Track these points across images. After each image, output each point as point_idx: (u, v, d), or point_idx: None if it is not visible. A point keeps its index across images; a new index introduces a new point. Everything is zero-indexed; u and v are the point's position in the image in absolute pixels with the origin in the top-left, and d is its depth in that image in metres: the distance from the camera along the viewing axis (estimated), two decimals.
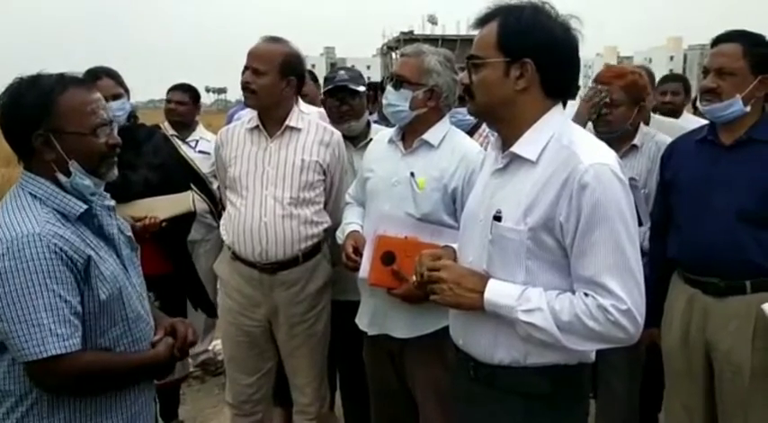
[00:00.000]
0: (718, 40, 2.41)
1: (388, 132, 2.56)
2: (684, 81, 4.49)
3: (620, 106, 2.75)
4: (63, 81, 1.65)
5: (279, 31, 2.87)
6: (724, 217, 2.31)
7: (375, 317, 2.48)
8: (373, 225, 2.42)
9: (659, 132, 2.95)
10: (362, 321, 2.55)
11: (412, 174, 2.37)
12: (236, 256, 2.77)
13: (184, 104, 4.42)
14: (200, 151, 4.24)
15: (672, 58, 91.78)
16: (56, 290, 1.54)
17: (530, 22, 1.63)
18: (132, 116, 3.07)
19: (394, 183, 2.41)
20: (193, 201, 2.92)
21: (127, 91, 2.99)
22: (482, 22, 1.70)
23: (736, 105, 2.30)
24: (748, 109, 2.31)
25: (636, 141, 2.83)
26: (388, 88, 2.44)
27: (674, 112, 4.12)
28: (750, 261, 2.29)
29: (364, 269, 2.38)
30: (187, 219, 2.93)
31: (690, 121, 3.61)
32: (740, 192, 2.29)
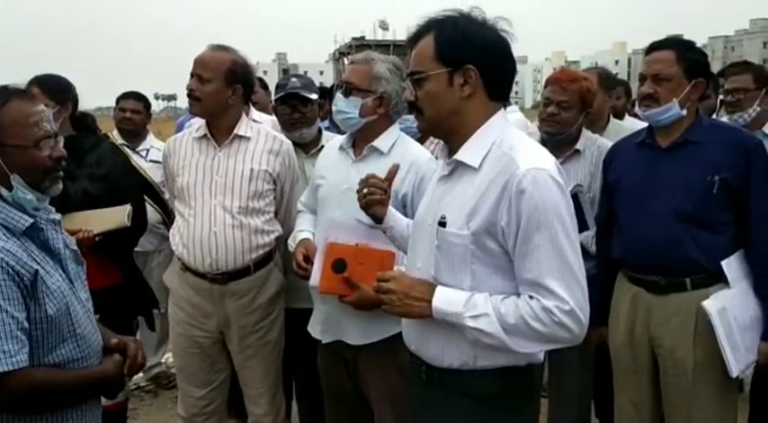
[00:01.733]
0: (652, 48, 2.50)
1: (339, 140, 2.57)
2: (625, 85, 4.64)
3: (572, 109, 2.82)
4: (5, 93, 1.62)
5: (230, 37, 2.88)
6: (663, 217, 2.39)
7: (328, 324, 2.48)
8: (324, 232, 2.42)
9: (600, 137, 3.04)
10: (315, 329, 2.55)
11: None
12: (185, 267, 2.73)
13: (139, 113, 4.33)
14: (151, 160, 4.15)
15: (617, 62, 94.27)
16: (2, 305, 1.50)
17: (465, 29, 1.67)
18: (83, 125, 2.98)
19: (345, 190, 2.41)
20: (129, 215, 2.82)
21: (60, 101, 2.84)
22: (416, 38, 1.72)
23: (673, 109, 2.38)
24: (684, 112, 2.40)
25: (579, 146, 2.90)
26: (338, 96, 2.45)
27: (616, 116, 4.23)
28: (689, 259, 2.37)
29: (315, 277, 2.38)
30: (128, 231, 2.86)
31: (637, 125, 3.71)
32: (678, 192, 2.37)
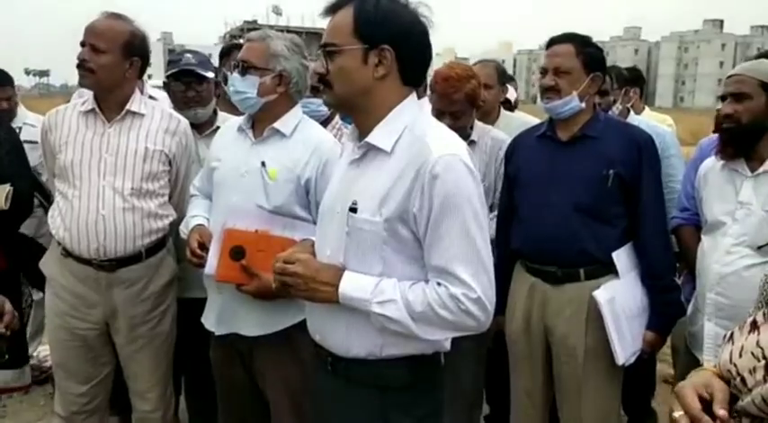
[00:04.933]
0: (552, 42, 2.56)
1: (237, 120, 2.45)
2: (513, 80, 4.81)
3: (463, 114, 2.80)
4: None
5: (110, 9, 2.62)
6: (562, 209, 2.45)
7: (223, 315, 2.37)
8: (221, 218, 2.30)
9: (492, 128, 3.08)
10: (209, 320, 2.43)
11: (263, 163, 2.28)
12: (67, 253, 2.51)
13: (10, 99, 3.86)
14: (25, 141, 3.78)
15: (503, 61, 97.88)
16: None
17: (387, 8, 1.62)
18: None
19: (243, 173, 2.30)
20: (8, 196, 2.57)
21: None
22: (333, 9, 1.66)
23: (573, 102, 2.45)
24: (584, 105, 2.47)
25: (473, 137, 2.93)
26: (235, 75, 2.33)
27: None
28: (584, 250, 2.45)
29: (211, 265, 2.26)
30: (8, 214, 2.60)
31: (526, 117, 3.83)
32: (575, 185, 2.45)
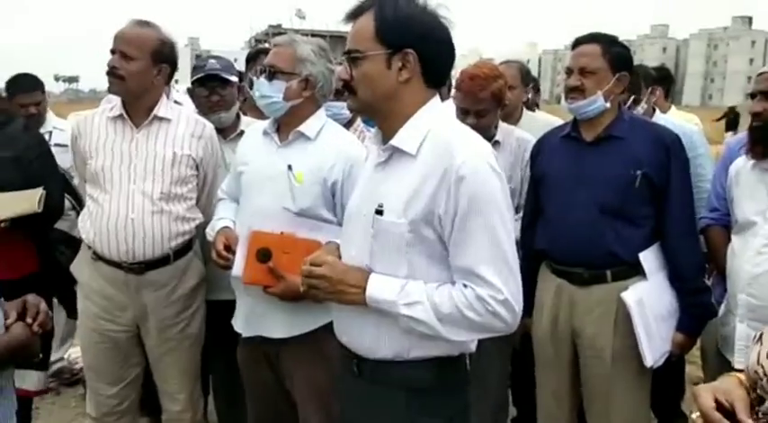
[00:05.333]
0: (578, 42, 2.54)
1: (262, 124, 2.48)
2: (536, 81, 4.80)
3: (487, 115, 2.79)
4: None
5: (138, 16, 2.69)
6: (588, 210, 2.43)
7: (250, 317, 2.39)
8: (247, 221, 2.32)
9: (516, 129, 3.07)
10: (237, 322, 2.45)
11: (289, 167, 2.29)
12: (97, 256, 2.56)
13: (40, 103, 3.87)
14: (55, 144, 3.78)
15: (528, 61, 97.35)
16: None
17: (406, 11, 1.63)
18: None
19: (269, 176, 2.32)
20: (41, 199, 2.63)
21: None
22: (354, 15, 1.67)
23: (598, 102, 2.43)
24: (608, 105, 2.45)
25: (498, 137, 2.92)
26: (261, 80, 2.35)
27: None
28: (610, 251, 2.42)
29: (238, 267, 2.28)
30: (41, 217, 2.66)
31: (549, 117, 3.82)
32: (601, 186, 2.42)
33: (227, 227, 2.44)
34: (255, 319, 2.37)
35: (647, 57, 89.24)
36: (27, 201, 2.60)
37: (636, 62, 2.75)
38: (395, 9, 1.62)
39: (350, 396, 1.82)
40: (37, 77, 3.98)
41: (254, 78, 2.45)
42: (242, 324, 2.43)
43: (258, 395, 2.50)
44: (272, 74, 2.32)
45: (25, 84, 3.81)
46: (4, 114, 2.85)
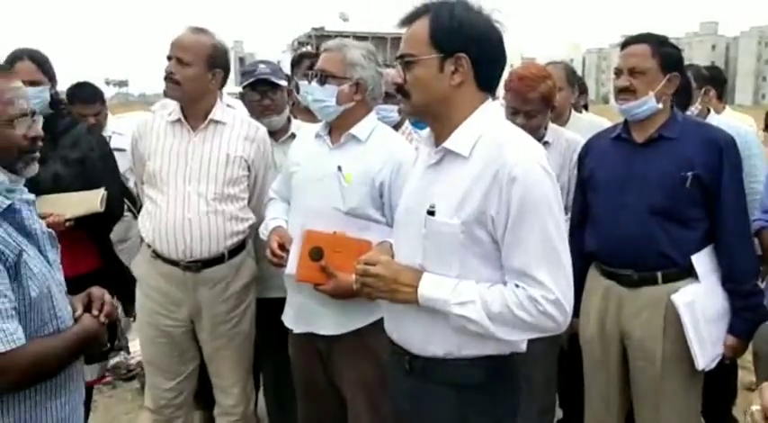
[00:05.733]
0: (627, 43, 2.52)
1: (314, 127, 2.53)
2: (581, 82, 4.75)
3: (538, 114, 2.79)
4: None
5: (185, 21, 2.78)
6: (637, 211, 2.42)
7: (301, 314, 2.44)
8: (300, 220, 2.38)
9: (565, 130, 3.06)
10: (288, 319, 2.51)
11: (339, 168, 2.35)
12: (156, 255, 2.66)
13: (100, 113, 4.01)
14: (114, 149, 3.98)
15: (572, 60, 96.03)
16: None
17: (462, 17, 1.65)
18: (59, 105, 2.89)
19: (321, 177, 2.37)
20: (103, 200, 2.75)
21: (51, 78, 2.81)
22: (409, 19, 1.70)
23: (650, 102, 2.41)
24: (660, 106, 2.43)
25: (548, 138, 2.92)
26: (313, 84, 2.40)
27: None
28: (661, 253, 2.41)
29: (291, 265, 2.34)
30: (102, 217, 2.78)
31: (596, 118, 3.79)
32: (652, 187, 2.40)
33: (279, 226, 2.50)
34: (307, 316, 2.42)
35: (696, 55, 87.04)
36: (90, 201, 2.73)
37: (685, 60, 2.71)
38: (450, 15, 1.65)
39: (400, 393, 1.85)
40: (96, 87, 4.13)
41: (301, 82, 2.50)
42: (293, 320, 2.48)
43: (308, 391, 2.55)
44: (324, 78, 2.37)
45: (85, 94, 3.95)
46: (69, 118, 2.98)
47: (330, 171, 2.36)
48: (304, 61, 3.55)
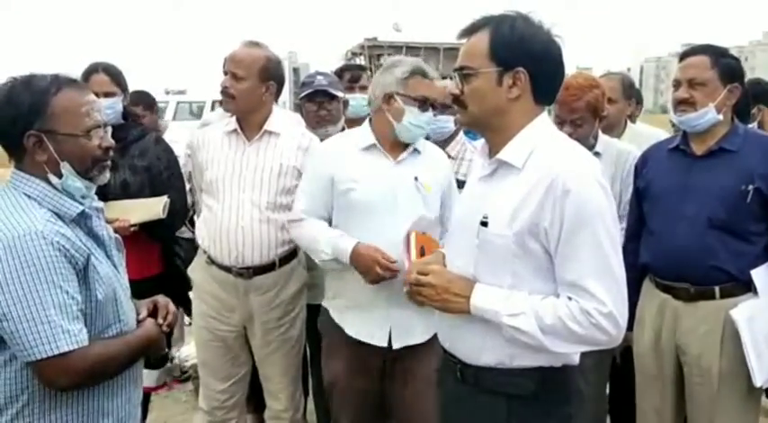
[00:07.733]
0: (686, 54, 2.49)
1: (351, 145, 2.49)
2: (638, 94, 4.65)
3: (585, 122, 2.75)
4: (57, 82, 1.64)
5: (241, 33, 2.86)
6: (695, 224, 2.37)
7: (398, 329, 2.42)
8: (373, 237, 2.34)
9: (617, 140, 3.01)
10: (376, 337, 2.42)
11: (416, 178, 2.44)
12: (211, 261, 2.73)
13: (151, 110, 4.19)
14: None
15: (629, 69, 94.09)
16: (63, 286, 1.53)
17: (522, 31, 1.65)
18: (129, 116, 3.03)
19: (397, 190, 2.41)
20: (165, 207, 2.86)
21: (124, 90, 2.95)
22: (470, 31, 1.71)
23: (710, 114, 2.37)
24: (721, 117, 2.38)
25: (598, 149, 2.88)
26: (417, 111, 2.41)
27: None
28: (719, 267, 2.35)
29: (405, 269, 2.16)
30: (164, 223, 2.89)
31: (651, 130, 3.72)
32: (711, 200, 2.35)
33: (360, 242, 2.36)
34: (402, 330, 2.42)
35: (759, 64, 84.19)
36: (153, 207, 2.85)
37: (747, 69, 2.64)
38: (511, 29, 1.65)
39: (450, 400, 1.86)
40: (144, 94, 4.28)
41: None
42: (386, 337, 2.42)
43: (359, 400, 2.53)
44: (433, 107, 2.49)
45: (140, 102, 4.13)
46: (139, 128, 3.11)
47: (406, 183, 2.42)
48: (345, 74, 3.61)
